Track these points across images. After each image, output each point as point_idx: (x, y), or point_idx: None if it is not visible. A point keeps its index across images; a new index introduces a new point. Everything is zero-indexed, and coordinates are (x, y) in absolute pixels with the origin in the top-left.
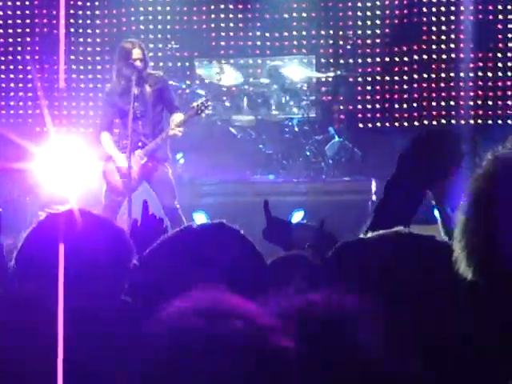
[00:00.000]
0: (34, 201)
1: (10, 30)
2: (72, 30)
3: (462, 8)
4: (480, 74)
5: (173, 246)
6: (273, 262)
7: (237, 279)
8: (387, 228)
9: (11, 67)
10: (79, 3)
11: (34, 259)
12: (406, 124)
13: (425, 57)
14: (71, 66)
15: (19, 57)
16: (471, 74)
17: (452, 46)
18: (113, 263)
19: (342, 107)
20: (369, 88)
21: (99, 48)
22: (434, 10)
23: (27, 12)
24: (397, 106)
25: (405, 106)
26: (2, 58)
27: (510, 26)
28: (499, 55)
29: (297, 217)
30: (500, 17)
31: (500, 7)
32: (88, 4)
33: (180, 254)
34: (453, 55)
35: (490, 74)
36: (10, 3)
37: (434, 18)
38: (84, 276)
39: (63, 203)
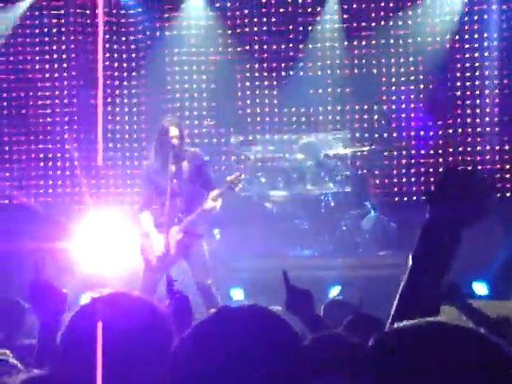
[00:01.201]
0: (72, 279)
1: (49, 110)
2: (109, 108)
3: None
4: None
5: (208, 332)
6: (310, 344)
7: (276, 369)
8: (415, 310)
9: (49, 146)
10: (116, 83)
11: (77, 342)
12: None
13: (459, 130)
14: (108, 144)
15: (58, 137)
16: (506, 147)
17: (487, 119)
18: (154, 346)
19: (377, 181)
20: (404, 161)
21: (136, 126)
22: (468, 83)
23: (65, 92)
24: (432, 179)
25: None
26: (41, 137)
27: None
28: None
29: (333, 292)
30: None
31: None
32: (125, 83)
33: (216, 341)
34: (488, 128)
35: None
36: (48, 84)
37: (468, 93)
38: (126, 359)
39: (102, 283)
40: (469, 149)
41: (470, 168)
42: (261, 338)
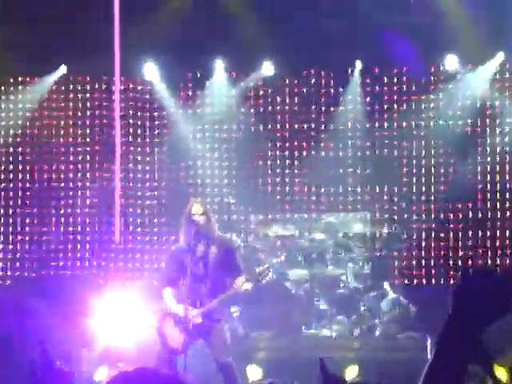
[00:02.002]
0: (90, 352)
1: (71, 184)
2: (130, 183)
3: None
4: None
5: None
6: None
7: None
8: None
9: (70, 220)
10: (130, 165)
11: None
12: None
13: (479, 215)
14: (127, 220)
15: (78, 210)
16: None
17: (508, 204)
18: None
19: (396, 263)
20: (423, 244)
21: (155, 200)
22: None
23: (87, 167)
24: (451, 262)
25: (459, 262)
26: (62, 211)
27: None
28: None
29: (351, 372)
30: None
31: None
32: (147, 159)
33: None
34: (508, 213)
35: None
36: (71, 158)
37: (488, 178)
38: None
39: (118, 357)
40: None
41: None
42: None
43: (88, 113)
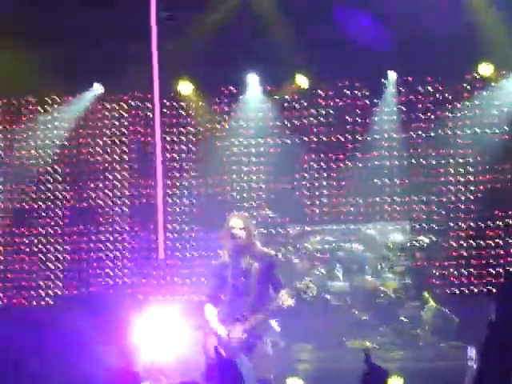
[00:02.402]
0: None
1: (110, 201)
2: (169, 199)
3: None
4: None
5: None
6: None
7: None
8: None
9: (110, 237)
10: (176, 174)
11: None
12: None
13: None
14: (168, 235)
15: (118, 227)
16: None
17: None
18: None
19: (437, 272)
20: (463, 253)
21: (195, 216)
22: None
23: (126, 183)
24: (492, 271)
25: (501, 270)
26: (102, 228)
27: None
28: None
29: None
30: None
31: None
32: (185, 174)
33: None
34: None
35: None
36: (110, 176)
37: None
38: None
39: (161, 372)
40: None
41: None
42: None
43: (125, 130)
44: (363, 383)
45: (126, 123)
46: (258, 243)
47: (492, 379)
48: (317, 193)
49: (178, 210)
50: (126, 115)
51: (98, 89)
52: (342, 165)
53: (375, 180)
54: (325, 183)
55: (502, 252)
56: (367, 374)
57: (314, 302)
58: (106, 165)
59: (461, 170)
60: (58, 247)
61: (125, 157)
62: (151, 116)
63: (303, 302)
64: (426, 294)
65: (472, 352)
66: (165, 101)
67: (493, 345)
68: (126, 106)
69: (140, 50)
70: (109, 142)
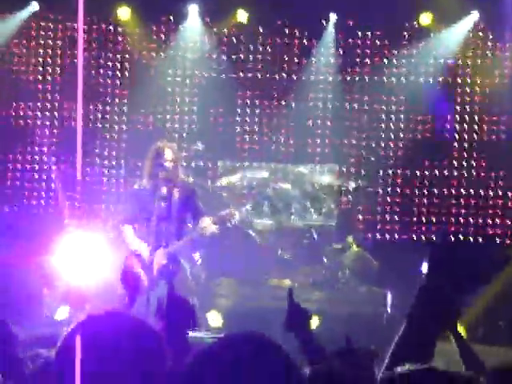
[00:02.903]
0: (51, 292)
1: (35, 122)
2: (98, 124)
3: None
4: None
5: (209, 360)
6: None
7: None
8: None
9: (31, 158)
10: (96, 106)
11: (72, 359)
12: (423, 238)
13: (446, 173)
14: (94, 159)
15: (37, 157)
16: (491, 193)
17: (472, 163)
18: (149, 365)
19: (361, 217)
20: (389, 200)
21: (123, 144)
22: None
23: (52, 105)
24: (415, 219)
25: (423, 219)
26: (27, 148)
27: None
28: None
29: (312, 323)
30: None
31: None
32: (116, 100)
33: (216, 369)
34: (473, 172)
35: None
36: (38, 95)
37: (456, 136)
38: (122, 379)
39: (81, 296)
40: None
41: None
42: (259, 362)
43: (58, 51)
44: (285, 320)
45: (58, 44)
46: (181, 172)
47: (416, 343)
48: (248, 129)
49: (104, 135)
50: (59, 36)
51: (34, 6)
52: (275, 103)
53: (308, 121)
54: (257, 120)
55: (425, 201)
56: (289, 311)
57: (238, 238)
58: (34, 84)
59: (392, 117)
60: None
61: (51, 77)
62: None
63: (227, 236)
64: (350, 238)
65: (389, 298)
66: (101, 25)
67: (420, 307)
68: (60, 27)
69: None
70: (40, 61)
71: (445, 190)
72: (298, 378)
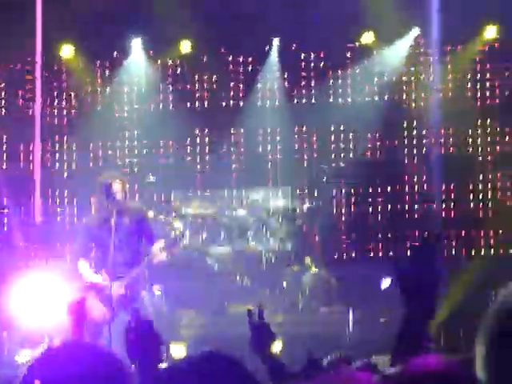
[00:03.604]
0: (11, 335)
1: None
2: (48, 163)
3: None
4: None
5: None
6: None
7: None
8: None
9: None
10: (49, 147)
11: None
12: (380, 254)
13: (398, 188)
14: (47, 199)
15: None
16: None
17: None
18: None
19: (317, 238)
20: (343, 219)
21: (75, 181)
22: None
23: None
24: (371, 236)
25: (379, 236)
26: None
27: None
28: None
29: (275, 347)
30: None
31: None
32: (64, 138)
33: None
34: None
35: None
36: None
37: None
38: None
39: (40, 338)
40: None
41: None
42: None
43: (7, 92)
44: (251, 342)
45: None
46: (128, 199)
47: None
48: (199, 158)
49: (57, 175)
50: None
51: None
52: (224, 130)
53: (258, 146)
54: (207, 149)
55: (380, 218)
56: (254, 331)
57: (196, 267)
58: None
59: (341, 136)
60: None
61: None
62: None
63: (184, 266)
64: (308, 259)
65: (351, 316)
66: (50, 64)
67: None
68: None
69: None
70: None
71: (398, 205)
72: None
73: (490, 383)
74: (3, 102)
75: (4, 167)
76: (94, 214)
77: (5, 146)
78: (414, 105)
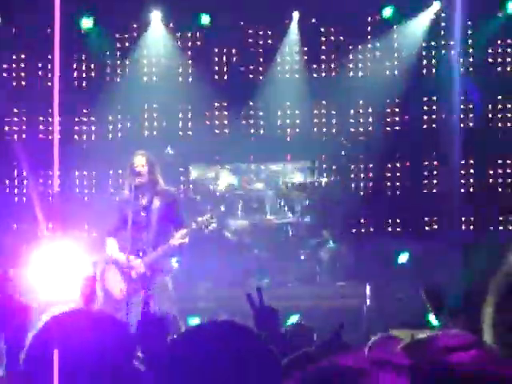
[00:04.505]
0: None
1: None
2: (73, 134)
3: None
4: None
5: (186, 347)
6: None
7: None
8: None
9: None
10: (69, 116)
11: (40, 360)
12: (398, 229)
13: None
14: (67, 171)
15: (15, 162)
16: (462, 190)
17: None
18: (117, 357)
19: (335, 212)
20: (362, 193)
21: (95, 152)
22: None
23: (24, 117)
24: (389, 211)
25: (397, 211)
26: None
27: None
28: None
29: (292, 321)
30: None
31: None
32: (85, 111)
33: (192, 355)
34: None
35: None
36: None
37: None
38: (90, 372)
39: (60, 305)
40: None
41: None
42: (234, 347)
43: (24, 65)
44: (256, 325)
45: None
46: (161, 180)
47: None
48: (218, 131)
49: (78, 146)
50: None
51: None
52: (243, 104)
53: (277, 120)
54: (226, 122)
55: (398, 193)
56: (257, 314)
57: (214, 239)
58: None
59: (361, 111)
60: None
61: (25, 91)
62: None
63: (203, 239)
64: (326, 233)
65: (368, 290)
66: (68, 35)
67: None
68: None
69: None
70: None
71: (418, 180)
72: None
73: (496, 344)
74: (23, 73)
75: (23, 137)
76: (124, 192)
77: (24, 118)
78: (434, 79)
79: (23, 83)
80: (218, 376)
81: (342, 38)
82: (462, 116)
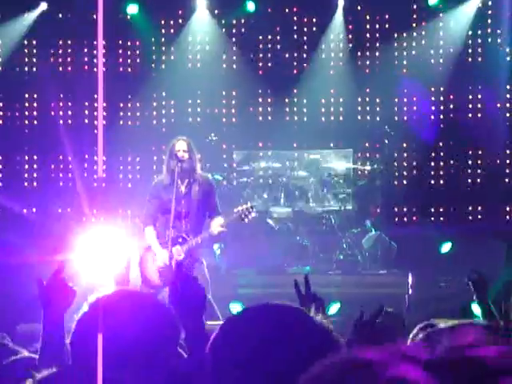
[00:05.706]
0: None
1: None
2: (118, 121)
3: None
4: None
5: (240, 330)
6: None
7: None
8: None
9: (51, 156)
10: (122, 95)
11: (85, 341)
12: (441, 218)
13: (462, 151)
14: (111, 156)
15: (60, 149)
16: (507, 180)
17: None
18: (160, 342)
19: (378, 201)
20: (405, 182)
21: (139, 138)
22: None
23: (69, 103)
24: (433, 200)
25: (440, 200)
26: (44, 147)
27: None
28: None
29: (333, 309)
30: None
31: None
32: (129, 96)
33: (248, 338)
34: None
35: None
36: (53, 94)
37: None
38: (134, 354)
39: (107, 288)
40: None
41: None
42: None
43: (70, 51)
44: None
45: (69, 43)
46: (199, 168)
47: None
48: (261, 118)
49: (122, 132)
50: (71, 35)
51: (43, 7)
52: (287, 91)
53: (321, 108)
54: (270, 109)
55: (442, 182)
56: (303, 301)
57: (257, 226)
58: (52, 82)
59: (405, 100)
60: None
61: (68, 77)
62: (96, 37)
63: (245, 226)
64: (368, 222)
65: (410, 279)
66: (112, 23)
67: None
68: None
69: None
70: (52, 61)
71: (462, 169)
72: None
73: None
74: (69, 58)
75: (69, 122)
76: (163, 177)
77: (70, 103)
78: (480, 67)
79: (69, 68)
80: (278, 359)
81: (387, 25)
82: (507, 105)
